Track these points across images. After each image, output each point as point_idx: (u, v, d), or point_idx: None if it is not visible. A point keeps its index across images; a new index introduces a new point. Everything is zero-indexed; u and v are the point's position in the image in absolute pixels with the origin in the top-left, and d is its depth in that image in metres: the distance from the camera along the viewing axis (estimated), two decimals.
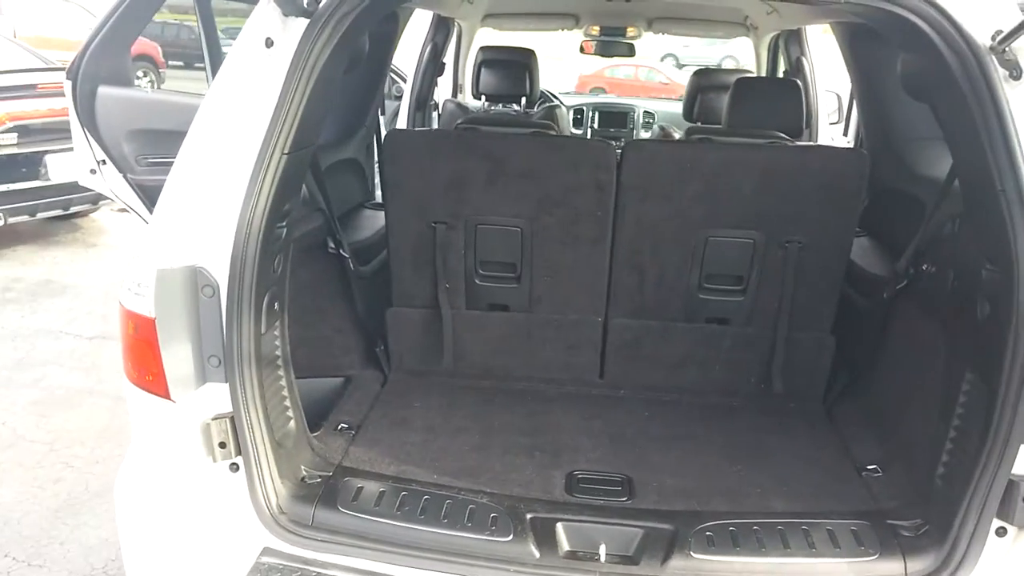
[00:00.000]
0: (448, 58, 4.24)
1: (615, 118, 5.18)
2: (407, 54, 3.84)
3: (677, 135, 4.01)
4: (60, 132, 4.25)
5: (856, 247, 2.22)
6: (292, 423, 1.63)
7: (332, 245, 2.27)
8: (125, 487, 1.59)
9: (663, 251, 2.12)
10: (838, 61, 2.81)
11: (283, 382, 1.61)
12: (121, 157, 2.72)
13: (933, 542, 1.42)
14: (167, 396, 1.44)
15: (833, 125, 3.80)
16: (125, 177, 2.74)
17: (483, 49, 3.77)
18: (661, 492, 1.71)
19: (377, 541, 1.46)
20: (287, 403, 1.63)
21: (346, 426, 1.94)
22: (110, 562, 2.36)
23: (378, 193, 2.99)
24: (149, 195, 2.58)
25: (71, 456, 2.95)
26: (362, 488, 1.60)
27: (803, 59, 3.66)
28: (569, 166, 2.09)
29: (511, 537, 1.48)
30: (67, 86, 2.67)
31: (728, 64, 12.81)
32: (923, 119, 1.93)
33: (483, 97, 3.75)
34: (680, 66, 15.37)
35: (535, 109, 4.09)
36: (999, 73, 1.29)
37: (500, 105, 3.94)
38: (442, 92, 4.32)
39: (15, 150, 4.95)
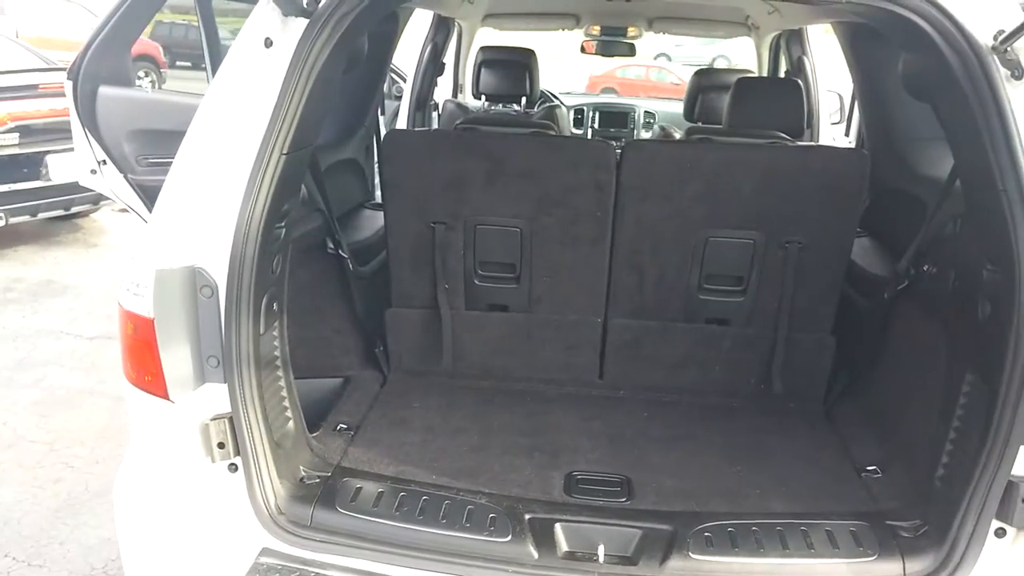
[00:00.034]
0: (448, 58, 4.24)
1: (615, 118, 5.17)
2: (407, 54, 3.84)
3: (678, 135, 4.00)
4: (61, 132, 4.25)
5: (857, 247, 2.22)
6: (291, 423, 1.63)
7: (331, 245, 2.27)
8: (124, 487, 1.59)
9: (663, 251, 2.12)
10: (840, 61, 2.80)
11: (282, 382, 1.61)
12: (122, 157, 2.72)
13: (932, 543, 1.41)
14: (166, 396, 1.44)
15: (835, 125, 3.80)
16: (126, 177, 2.75)
17: (483, 49, 3.77)
18: (660, 493, 1.70)
19: (375, 541, 1.46)
20: (286, 403, 1.63)
21: (345, 426, 1.94)
22: (110, 562, 2.36)
23: (378, 193, 2.99)
24: (149, 195, 2.58)
25: (71, 456, 2.95)
26: (361, 488, 1.60)
27: (804, 59, 3.66)
28: (569, 166, 2.09)
29: (509, 538, 1.48)
30: (68, 86, 2.67)
31: (720, 64, 12.80)
32: (924, 119, 1.92)
33: (483, 97, 3.75)
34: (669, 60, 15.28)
35: (535, 109, 4.09)
36: (1001, 73, 1.29)
37: (500, 105, 3.94)
38: (442, 92, 4.32)
39: (16, 150, 4.96)
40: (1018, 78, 1.28)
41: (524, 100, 3.81)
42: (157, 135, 2.62)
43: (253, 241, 1.41)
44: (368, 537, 1.47)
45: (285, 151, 1.43)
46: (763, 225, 2.06)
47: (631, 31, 4.37)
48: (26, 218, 5.25)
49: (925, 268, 1.92)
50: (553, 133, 2.77)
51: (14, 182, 5.01)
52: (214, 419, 1.45)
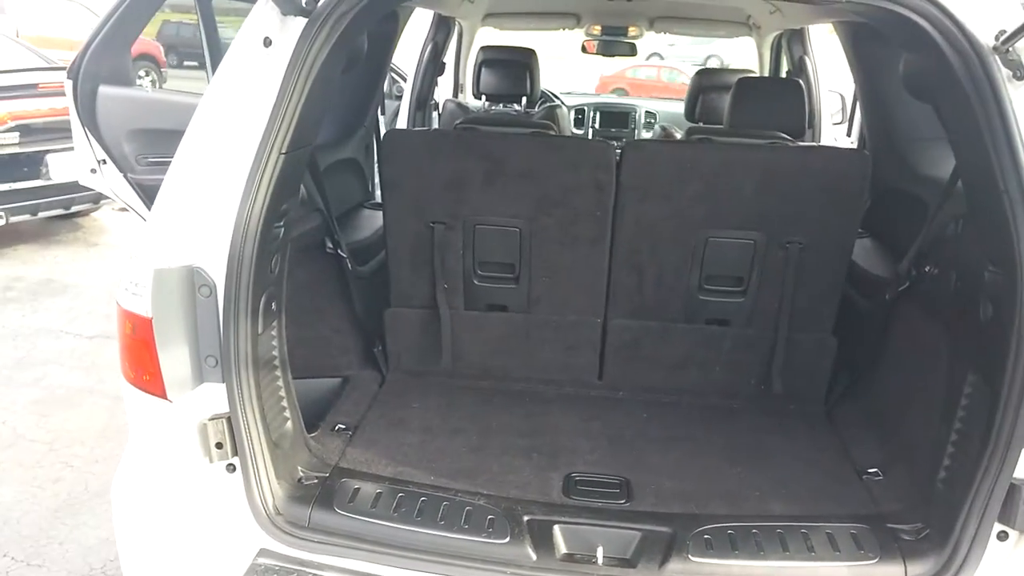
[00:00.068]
0: (449, 58, 4.23)
1: (616, 118, 5.16)
2: (407, 54, 3.83)
3: (678, 135, 3.99)
4: (61, 131, 4.25)
5: (858, 248, 2.21)
6: (289, 424, 1.63)
7: (330, 245, 2.27)
8: (122, 487, 1.59)
9: (662, 251, 2.11)
10: (842, 61, 2.79)
11: (280, 382, 1.61)
12: (121, 156, 2.72)
13: (934, 546, 1.40)
14: (164, 396, 1.43)
15: (836, 125, 3.79)
16: (125, 176, 2.75)
17: (484, 49, 3.76)
18: (659, 494, 1.70)
19: (373, 542, 1.46)
20: (284, 403, 1.62)
21: (343, 427, 1.94)
22: (109, 562, 2.36)
23: (378, 193, 2.99)
24: (149, 194, 2.58)
25: (71, 456, 2.95)
26: (359, 489, 1.59)
27: (806, 59, 3.65)
28: (568, 166, 2.08)
29: (508, 539, 1.48)
30: (68, 85, 2.67)
31: (713, 63, 12.74)
32: (926, 119, 1.92)
33: (483, 97, 3.75)
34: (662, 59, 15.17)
35: (536, 109, 4.08)
36: (1002, 73, 1.28)
37: (501, 105, 3.93)
38: (442, 92, 4.31)
39: (16, 149, 4.96)
40: (1020, 78, 1.27)
41: (524, 100, 3.81)
42: (157, 134, 2.62)
43: (252, 240, 1.40)
44: (366, 538, 1.47)
45: (284, 150, 1.43)
46: (764, 225, 2.05)
47: (632, 31, 4.36)
48: (26, 217, 5.25)
49: (927, 269, 1.91)
50: (553, 133, 2.77)
51: (14, 181, 5.01)
52: (212, 419, 1.44)
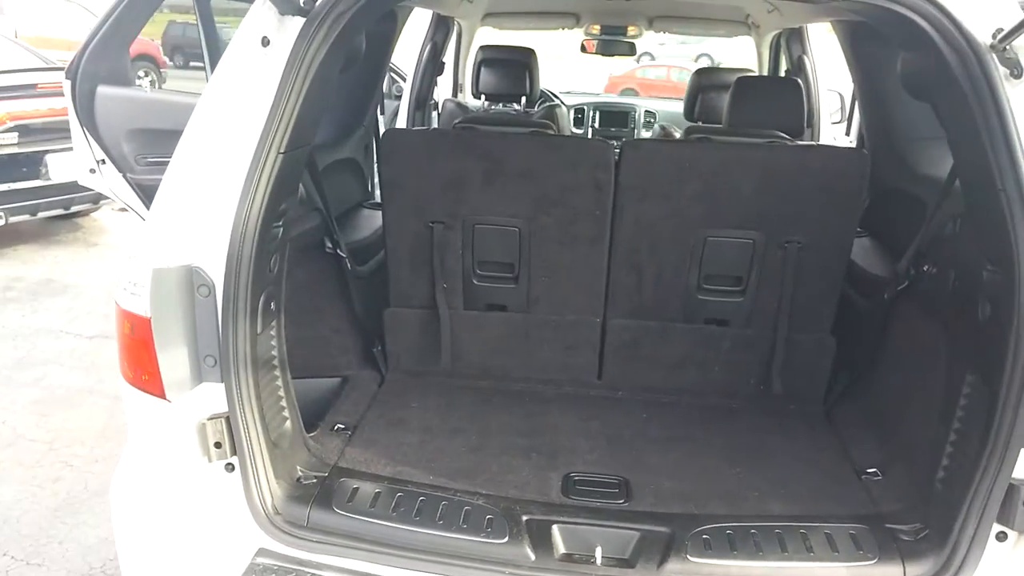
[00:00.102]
0: (448, 57, 4.23)
1: (616, 117, 5.16)
2: (407, 53, 3.83)
3: (678, 134, 3.99)
4: (60, 132, 4.25)
5: (857, 247, 2.21)
6: (288, 423, 1.63)
7: (329, 245, 2.27)
8: (121, 487, 1.59)
9: (662, 251, 2.11)
10: (841, 60, 2.79)
11: (279, 382, 1.61)
12: (120, 156, 2.72)
13: (932, 546, 1.40)
14: (163, 396, 1.43)
15: (835, 125, 3.78)
16: (124, 176, 2.75)
17: (483, 48, 3.76)
18: (658, 494, 1.70)
19: (372, 542, 1.46)
20: (283, 403, 1.62)
21: (343, 426, 1.94)
22: (108, 561, 2.36)
23: (378, 193, 2.99)
24: (148, 194, 2.58)
25: (71, 455, 2.95)
26: (358, 489, 1.59)
27: (805, 58, 3.65)
28: (567, 165, 2.08)
29: (507, 539, 1.47)
30: (66, 86, 2.67)
31: (703, 62, 12.69)
32: (925, 118, 1.91)
33: (483, 96, 3.75)
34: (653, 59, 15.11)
35: (535, 109, 4.08)
36: (1000, 72, 1.28)
37: (500, 104, 3.93)
38: (442, 92, 4.31)
39: (16, 149, 4.96)
40: (1017, 77, 1.27)
41: (524, 99, 3.81)
42: (155, 134, 2.62)
43: (250, 240, 1.40)
44: (365, 538, 1.47)
45: (282, 150, 1.43)
46: (762, 225, 2.05)
47: (631, 30, 4.36)
48: (26, 217, 5.26)
49: (925, 268, 1.91)
50: (552, 132, 2.76)
51: (14, 181, 5.01)
52: (211, 419, 1.44)
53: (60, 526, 2.54)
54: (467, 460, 1.82)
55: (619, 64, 12.10)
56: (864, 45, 2.55)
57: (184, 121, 1.45)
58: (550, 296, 2.19)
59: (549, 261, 2.15)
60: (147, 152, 2.69)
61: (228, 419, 1.44)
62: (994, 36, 1.27)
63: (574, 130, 4.96)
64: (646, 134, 5.07)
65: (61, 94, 2.76)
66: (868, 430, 1.98)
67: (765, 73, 4.05)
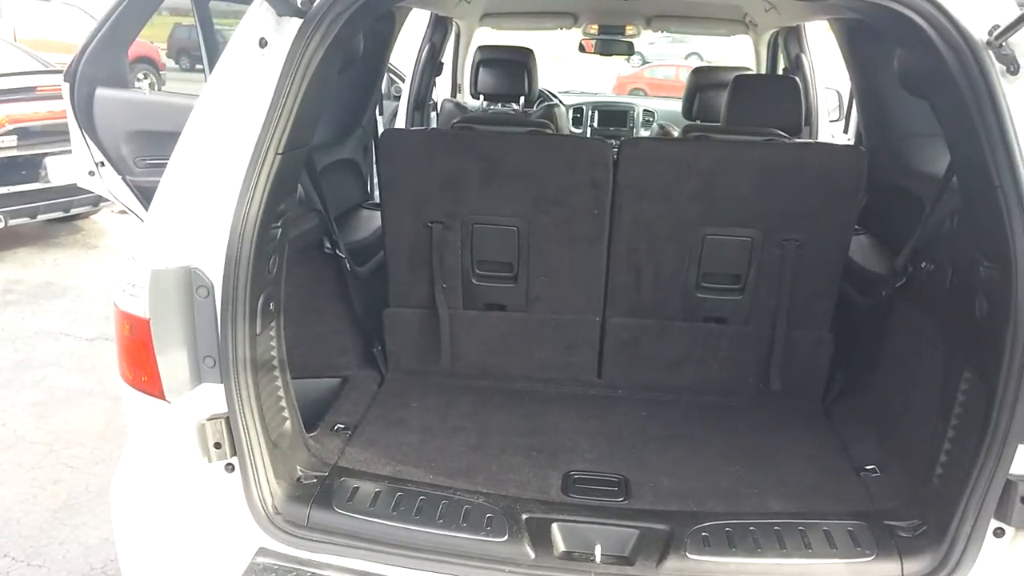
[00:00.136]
0: (447, 58, 4.23)
1: (614, 117, 5.16)
2: (405, 54, 3.83)
3: (676, 133, 3.99)
4: (60, 134, 4.25)
5: (855, 245, 2.21)
6: (288, 423, 1.63)
7: (328, 245, 2.27)
8: (121, 488, 1.59)
9: (660, 250, 2.11)
10: (839, 58, 2.79)
11: (279, 383, 1.61)
12: (119, 159, 2.72)
13: (930, 542, 1.41)
14: (162, 397, 1.44)
15: (834, 122, 3.79)
16: (124, 179, 2.75)
17: (481, 48, 3.77)
18: (657, 492, 1.70)
19: (372, 541, 1.46)
20: (283, 403, 1.62)
21: (342, 426, 1.94)
22: (109, 562, 2.36)
23: (377, 194, 2.99)
24: (147, 196, 2.57)
25: (71, 457, 2.95)
26: (358, 488, 1.60)
27: (803, 56, 3.65)
28: (565, 165, 2.08)
29: (506, 538, 1.48)
30: (65, 88, 2.67)
31: (694, 61, 12.65)
32: (922, 116, 1.92)
33: (481, 96, 3.75)
34: (645, 62, 15.09)
35: (534, 108, 4.08)
36: (996, 68, 1.28)
37: (499, 104, 3.93)
38: (441, 92, 4.31)
39: (15, 152, 4.96)
40: (1014, 73, 1.27)
41: (522, 99, 3.81)
42: (154, 136, 2.62)
43: (249, 241, 1.40)
44: (365, 537, 1.47)
45: (280, 151, 1.43)
46: (760, 223, 2.06)
47: (629, 29, 4.36)
48: (25, 220, 5.25)
49: (923, 265, 1.91)
50: (551, 132, 2.77)
51: (13, 184, 5.01)
52: (210, 419, 1.45)
53: (60, 527, 2.54)
54: (467, 459, 1.82)
55: (627, 64, 12.06)
56: (861, 43, 2.55)
57: (183, 123, 1.45)
58: (549, 295, 2.20)
59: (548, 260, 2.15)
60: (146, 154, 2.69)
61: (228, 419, 1.45)
62: (990, 33, 1.28)
63: (573, 129, 4.96)
64: (645, 133, 5.07)
65: (60, 97, 2.76)
66: (866, 427, 1.98)
67: (763, 71, 4.05)
